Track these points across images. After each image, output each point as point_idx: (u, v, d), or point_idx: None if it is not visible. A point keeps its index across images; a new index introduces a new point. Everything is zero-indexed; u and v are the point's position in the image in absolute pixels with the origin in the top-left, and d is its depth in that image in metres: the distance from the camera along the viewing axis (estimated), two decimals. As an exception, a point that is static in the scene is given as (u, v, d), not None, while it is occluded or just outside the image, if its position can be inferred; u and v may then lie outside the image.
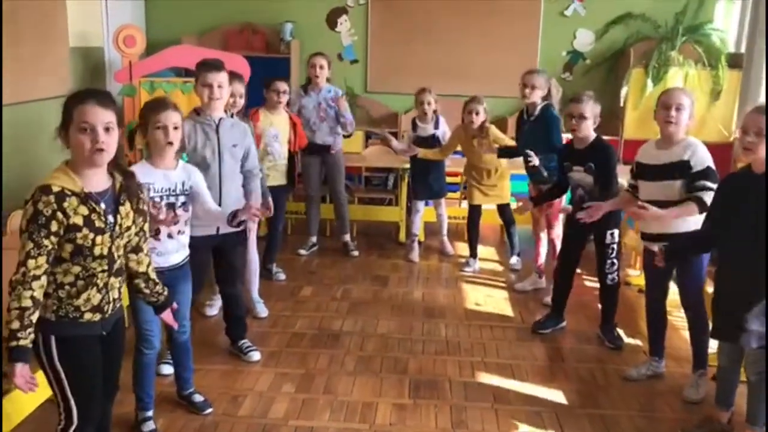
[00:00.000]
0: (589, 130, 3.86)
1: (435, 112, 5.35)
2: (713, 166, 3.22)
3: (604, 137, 4.03)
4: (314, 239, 5.62)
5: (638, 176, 3.46)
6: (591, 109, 3.84)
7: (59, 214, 2.06)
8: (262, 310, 4.28)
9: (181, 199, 2.91)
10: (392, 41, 7.07)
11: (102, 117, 2.10)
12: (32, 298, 2.07)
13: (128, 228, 2.27)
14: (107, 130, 2.11)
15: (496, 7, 6.87)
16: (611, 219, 3.86)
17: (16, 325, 2.05)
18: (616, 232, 3.91)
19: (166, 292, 2.55)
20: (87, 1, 5.83)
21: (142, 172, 2.72)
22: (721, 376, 3.07)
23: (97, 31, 6.10)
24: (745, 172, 2.82)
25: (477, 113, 4.99)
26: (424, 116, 5.36)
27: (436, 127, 5.38)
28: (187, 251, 3.02)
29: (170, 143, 2.78)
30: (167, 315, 2.59)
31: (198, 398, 3.20)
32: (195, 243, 3.09)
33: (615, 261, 3.94)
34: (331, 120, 5.26)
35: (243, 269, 3.90)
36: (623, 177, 3.87)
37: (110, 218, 2.18)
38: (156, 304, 2.55)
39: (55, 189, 2.07)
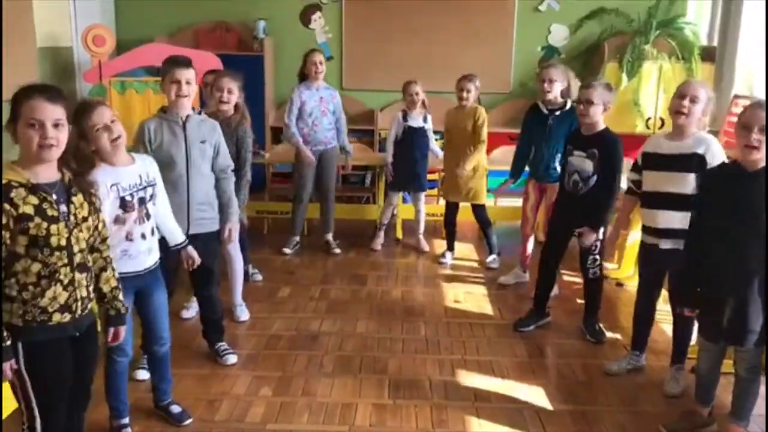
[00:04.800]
0: (597, 116, 3.73)
1: (424, 103, 5.39)
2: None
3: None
4: (297, 238, 5.57)
5: (644, 167, 3.36)
6: (600, 95, 3.70)
7: (6, 206, 2.03)
8: (243, 313, 4.21)
9: (149, 191, 2.80)
10: (367, 38, 7.02)
11: (51, 113, 2.07)
12: None
13: (85, 219, 2.22)
14: (56, 126, 2.08)
15: (470, 3, 6.86)
16: (597, 216, 3.81)
17: None
18: (602, 229, 3.85)
19: (124, 310, 2.48)
20: (55, 1, 5.71)
21: (106, 174, 2.65)
22: (702, 375, 3.04)
23: (65, 31, 5.98)
24: (735, 168, 2.73)
25: (468, 90, 4.97)
26: (413, 106, 5.36)
27: (425, 120, 5.40)
28: (158, 254, 2.92)
29: (118, 137, 2.67)
30: (116, 331, 2.49)
31: (176, 409, 3.10)
32: (163, 243, 3.01)
33: (597, 257, 3.91)
34: (331, 116, 5.31)
35: (220, 270, 3.81)
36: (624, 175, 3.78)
37: (63, 207, 2.15)
38: (109, 314, 2.45)
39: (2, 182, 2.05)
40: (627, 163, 3.72)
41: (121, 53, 5.78)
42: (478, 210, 5.26)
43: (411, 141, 5.38)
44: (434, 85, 6.10)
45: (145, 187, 2.78)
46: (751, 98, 4.59)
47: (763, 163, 2.64)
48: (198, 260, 3.13)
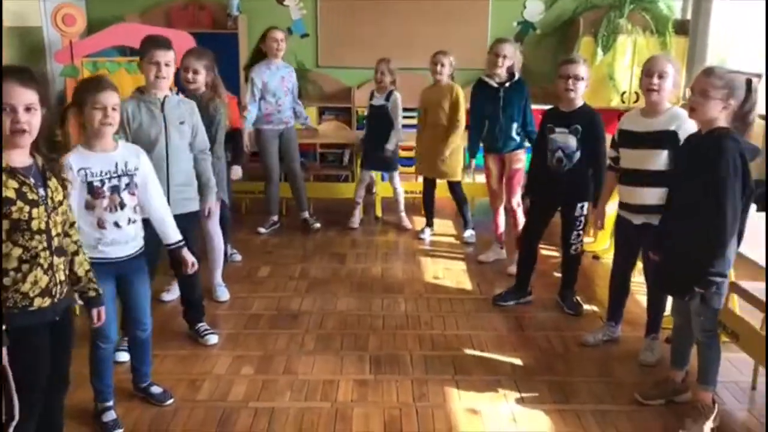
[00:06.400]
0: (581, 92, 3.80)
1: (393, 83, 5.34)
2: None
3: (550, 106, 4.03)
4: (275, 218, 5.56)
5: (620, 145, 3.42)
6: (586, 71, 3.79)
7: None
8: (223, 294, 4.22)
9: (125, 180, 2.74)
10: (343, 14, 6.96)
11: (22, 97, 2.04)
12: None
13: (60, 203, 2.21)
14: (28, 110, 2.05)
15: (446, -22, 6.82)
16: (583, 191, 3.86)
17: None
18: (587, 204, 3.89)
19: (100, 291, 2.47)
20: (22, -21, 5.59)
21: (77, 158, 2.65)
22: (676, 334, 3.13)
23: (34, 10, 5.86)
24: (696, 134, 2.87)
25: (441, 65, 4.96)
26: (376, 85, 5.36)
27: (387, 99, 5.35)
28: (140, 242, 2.88)
29: (109, 125, 2.65)
30: (98, 312, 2.48)
31: (156, 390, 3.11)
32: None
33: (580, 233, 3.97)
34: (290, 94, 5.30)
35: (201, 252, 3.79)
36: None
37: (41, 191, 2.13)
38: (89, 296, 2.44)
39: None
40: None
41: (92, 33, 5.67)
42: (455, 187, 5.29)
43: (373, 120, 5.39)
44: (411, 62, 6.08)
45: (120, 176, 2.73)
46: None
47: (713, 125, 2.73)
48: (194, 264, 3.10)
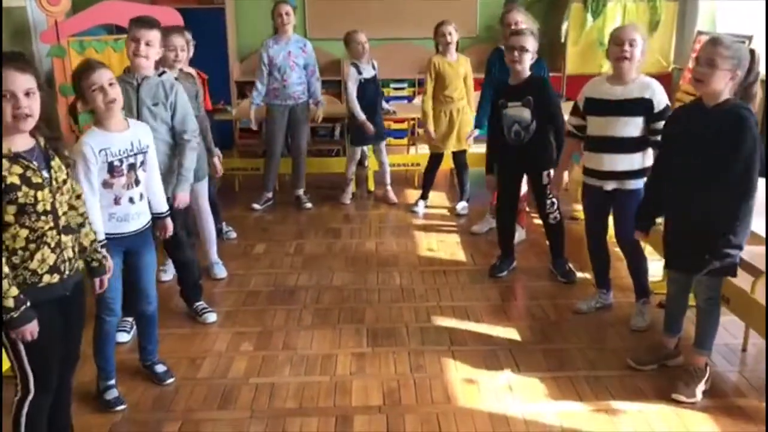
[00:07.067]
0: (527, 63, 3.85)
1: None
2: (669, 104, 3.28)
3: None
4: (270, 194, 5.57)
5: (588, 112, 3.44)
6: (532, 43, 3.83)
7: None
8: (221, 271, 4.25)
9: (140, 158, 2.82)
10: (331, -15, 6.89)
11: (21, 83, 2.06)
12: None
13: (65, 181, 2.25)
14: (28, 95, 2.08)
15: (434, -54, 6.75)
16: (545, 159, 3.91)
17: (15, 291, 2.07)
18: (552, 171, 3.93)
19: (104, 261, 2.51)
20: (3, -42, 5.50)
21: (96, 139, 2.70)
22: (670, 302, 3.16)
23: (17, -10, 5.78)
24: (697, 105, 2.82)
25: (451, 34, 4.93)
26: (361, 57, 5.26)
27: (374, 68, 5.33)
28: (148, 216, 2.96)
29: (113, 100, 2.67)
30: (101, 281, 2.53)
31: (160, 368, 3.16)
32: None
33: (554, 200, 4.01)
34: (300, 69, 5.24)
35: (194, 232, 3.80)
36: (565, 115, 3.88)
37: (45, 173, 2.17)
38: (92, 266, 2.48)
39: None
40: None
41: (77, 12, 5.61)
42: (461, 154, 5.28)
43: (368, 93, 5.30)
44: (400, 32, 6.06)
45: (136, 154, 2.80)
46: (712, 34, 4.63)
47: (720, 99, 2.70)
48: (171, 232, 3.15)
